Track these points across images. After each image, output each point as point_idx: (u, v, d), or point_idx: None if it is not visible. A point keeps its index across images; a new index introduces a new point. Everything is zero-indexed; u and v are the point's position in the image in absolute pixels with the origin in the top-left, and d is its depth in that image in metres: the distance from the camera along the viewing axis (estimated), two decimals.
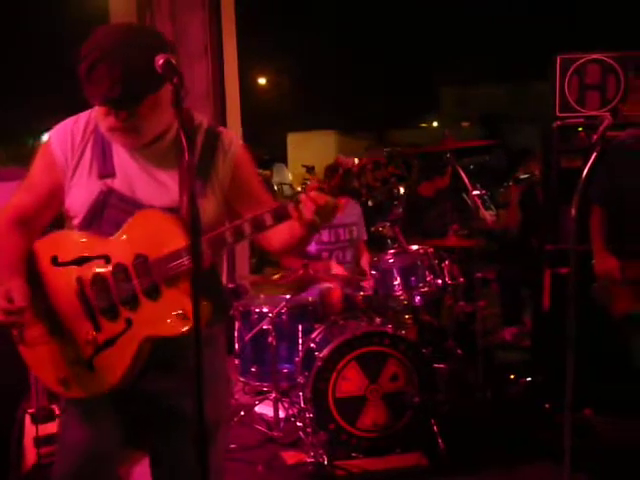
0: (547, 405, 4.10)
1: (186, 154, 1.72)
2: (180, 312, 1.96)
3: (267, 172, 17.04)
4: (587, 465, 3.33)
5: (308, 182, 18.04)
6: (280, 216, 1.95)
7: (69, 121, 2.13)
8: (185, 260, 1.94)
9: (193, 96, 5.41)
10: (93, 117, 2.09)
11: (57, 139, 2.10)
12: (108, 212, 2.05)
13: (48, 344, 2.09)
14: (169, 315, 1.98)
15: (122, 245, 2.02)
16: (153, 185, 2.07)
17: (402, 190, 5.09)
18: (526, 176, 5.50)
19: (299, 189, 18.35)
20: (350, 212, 5.04)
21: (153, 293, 2.00)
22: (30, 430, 3.13)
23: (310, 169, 18.05)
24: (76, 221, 2.10)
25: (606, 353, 3.92)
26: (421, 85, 35.22)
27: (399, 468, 3.60)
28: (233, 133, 2.26)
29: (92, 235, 2.06)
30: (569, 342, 2.66)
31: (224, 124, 5.72)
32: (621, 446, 3.64)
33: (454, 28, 34.63)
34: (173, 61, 1.76)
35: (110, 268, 2.02)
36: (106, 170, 2.07)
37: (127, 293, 2.00)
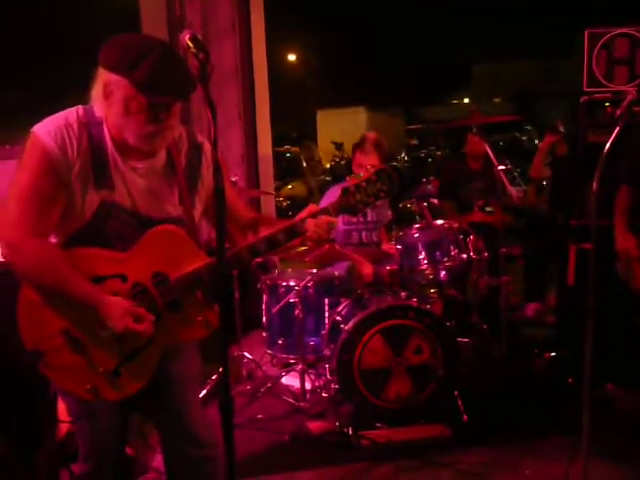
0: (570, 380, 4.12)
1: (212, 128, 1.71)
2: (201, 319, 2.13)
3: (296, 149, 17.08)
4: (607, 439, 3.37)
5: (337, 159, 18.09)
6: (292, 235, 2.13)
7: (59, 120, 2.02)
8: (205, 278, 2.08)
9: (221, 73, 5.45)
10: (84, 123, 2.02)
11: (53, 139, 1.98)
12: (111, 224, 2.06)
13: (72, 363, 2.06)
14: (191, 323, 2.13)
15: (138, 263, 2.07)
16: (150, 197, 2.12)
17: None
18: (562, 129, 5.34)
19: (328, 166, 18.39)
20: None
21: (174, 306, 2.11)
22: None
23: (339, 146, 18.04)
24: (69, 230, 2.06)
25: (630, 328, 3.92)
26: (453, 62, 34.86)
27: (422, 438, 3.65)
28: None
29: (102, 252, 2.05)
30: (589, 315, 2.68)
31: (252, 101, 5.76)
32: None
33: (487, 4, 34.12)
34: (199, 37, 1.77)
35: (128, 287, 2.07)
36: (106, 182, 2.05)
37: (149, 310, 2.06)
